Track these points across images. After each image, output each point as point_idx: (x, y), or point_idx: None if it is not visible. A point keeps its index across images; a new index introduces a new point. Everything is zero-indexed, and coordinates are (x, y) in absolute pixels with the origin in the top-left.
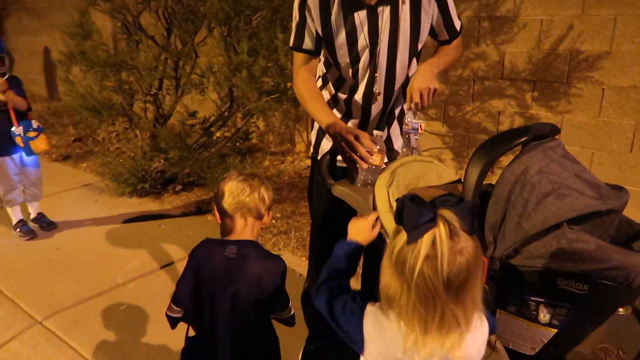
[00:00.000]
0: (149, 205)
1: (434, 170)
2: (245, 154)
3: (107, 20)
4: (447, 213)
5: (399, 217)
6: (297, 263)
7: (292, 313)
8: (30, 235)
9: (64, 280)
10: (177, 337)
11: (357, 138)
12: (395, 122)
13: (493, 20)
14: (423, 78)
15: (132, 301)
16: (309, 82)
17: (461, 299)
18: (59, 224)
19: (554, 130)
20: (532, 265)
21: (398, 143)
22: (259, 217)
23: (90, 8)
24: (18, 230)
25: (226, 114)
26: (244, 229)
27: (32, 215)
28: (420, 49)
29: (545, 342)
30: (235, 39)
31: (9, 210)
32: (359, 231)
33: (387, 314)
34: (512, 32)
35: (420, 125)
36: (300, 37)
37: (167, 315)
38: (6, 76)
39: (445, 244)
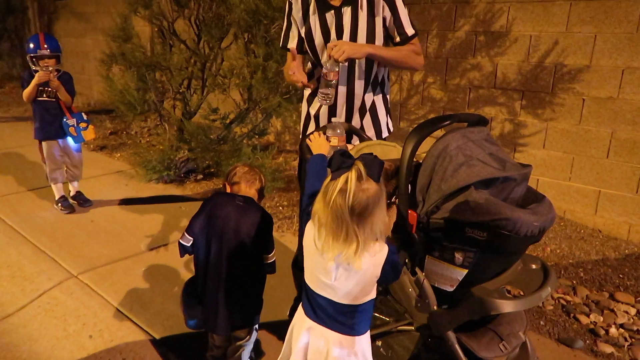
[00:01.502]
0: (173, 190)
1: (396, 151)
2: (260, 149)
3: (145, 26)
4: (359, 164)
5: (329, 164)
6: (296, 243)
7: (273, 260)
8: (70, 209)
9: (96, 245)
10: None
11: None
12: (368, 114)
13: (488, 34)
14: (348, 43)
15: (152, 266)
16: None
17: (361, 223)
18: (94, 202)
19: (482, 121)
20: (448, 217)
21: (371, 132)
22: (257, 190)
23: (132, 14)
24: (59, 205)
25: (244, 111)
26: (247, 192)
27: (72, 193)
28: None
29: (460, 280)
30: (256, 46)
31: (53, 187)
32: (320, 146)
33: (315, 225)
34: (505, 46)
35: (332, 70)
36: (286, 38)
37: (179, 242)
38: (60, 73)
39: (353, 183)
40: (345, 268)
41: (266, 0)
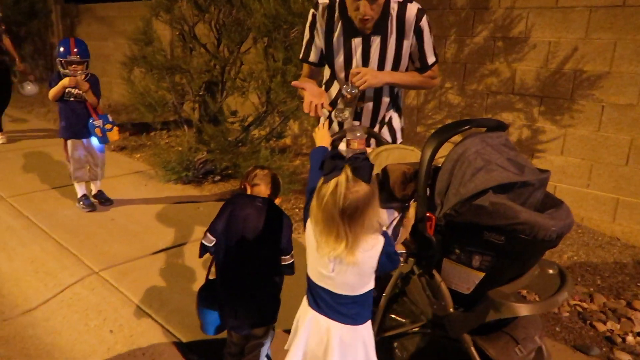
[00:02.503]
0: (191, 191)
1: (414, 155)
2: (278, 152)
3: (166, 29)
4: (347, 167)
5: (321, 167)
6: None
7: (292, 262)
8: (91, 207)
9: (117, 243)
10: None
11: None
12: (385, 126)
13: (506, 40)
14: (371, 71)
15: (170, 264)
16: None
17: (352, 223)
18: (115, 201)
19: (501, 126)
20: (466, 221)
21: (387, 139)
22: (276, 192)
23: (153, 18)
24: (81, 203)
25: (263, 115)
26: (265, 194)
27: (94, 192)
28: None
29: (477, 283)
30: (275, 50)
31: (75, 185)
32: (322, 138)
33: (312, 222)
34: (523, 52)
35: (351, 93)
36: (307, 51)
37: (201, 243)
38: (88, 76)
39: (343, 185)
40: (340, 262)
41: (286, 5)
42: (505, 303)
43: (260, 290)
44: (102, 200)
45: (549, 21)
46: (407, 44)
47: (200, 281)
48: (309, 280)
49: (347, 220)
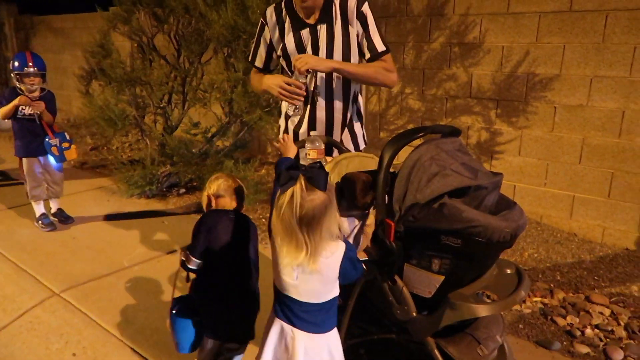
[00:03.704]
0: (155, 205)
1: (374, 162)
2: (242, 162)
3: (125, 41)
4: (302, 177)
5: (277, 179)
6: None
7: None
8: (51, 227)
9: (79, 262)
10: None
11: (289, 83)
12: (346, 129)
13: (462, 46)
14: (313, 56)
15: (136, 281)
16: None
17: (311, 231)
18: (76, 218)
19: (455, 132)
20: (424, 226)
21: (349, 145)
22: (241, 200)
23: (111, 30)
24: (40, 222)
25: (226, 125)
26: (232, 205)
27: (53, 210)
28: (360, 62)
29: (438, 286)
30: (235, 60)
31: (33, 204)
32: (288, 150)
33: (273, 234)
34: (479, 57)
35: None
36: (254, 55)
37: (186, 266)
38: (45, 91)
39: (298, 194)
40: (303, 271)
41: (244, 15)
42: (465, 305)
43: (244, 301)
44: (62, 219)
45: (501, 27)
46: (353, 31)
47: (166, 296)
48: (275, 289)
49: (305, 228)
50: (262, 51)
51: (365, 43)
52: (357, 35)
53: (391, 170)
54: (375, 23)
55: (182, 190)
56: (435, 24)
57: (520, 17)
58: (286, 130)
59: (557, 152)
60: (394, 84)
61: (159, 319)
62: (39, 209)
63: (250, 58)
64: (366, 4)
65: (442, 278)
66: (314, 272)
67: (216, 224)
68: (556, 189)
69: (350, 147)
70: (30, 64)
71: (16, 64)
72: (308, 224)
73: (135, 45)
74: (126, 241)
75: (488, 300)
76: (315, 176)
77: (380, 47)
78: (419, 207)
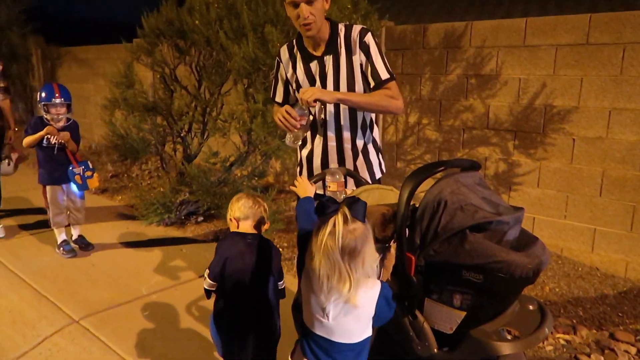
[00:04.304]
0: (173, 232)
1: (393, 195)
2: (260, 190)
3: (147, 72)
4: (344, 207)
5: (316, 211)
6: (296, 284)
7: (283, 286)
8: (72, 253)
9: (98, 289)
10: (188, 337)
11: (288, 112)
12: (360, 156)
13: (479, 77)
14: (320, 89)
15: (154, 309)
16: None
17: (352, 262)
18: (96, 245)
19: (474, 166)
20: (445, 260)
21: (364, 173)
22: (263, 222)
23: (134, 61)
24: (62, 249)
25: (244, 154)
26: (252, 229)
27: (74, 237)
28: (366, 90)
29: (459, 322)
30: (255, 91)
31: (55, 230)
32: (306, 190)
33: (310, 269)
34: (495, 88)
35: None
36: (274, 92)
37: (205, 289)
38: (70, 121)
39: (340, 224)
40: (342, 307)
41: (264, 48)
42: (487, 342)
43: (263, 324)
44: (83, 245)
45: (517, 59)
46: (357, 60)
47: (184, 325)
48: (305, 328)
49: (347, 259)
50: (280, 88)
51: (369, 71)
52: (361, 65)
53: (412, 203)
54: (380, 52)
55: (200, 218)
56: (451, 56)
57: (536, 49)
58: (300, 161)
59: (577, 184)
60: (399, 110)
61: (177, 348)
62: (60, 235)
63: (271, 94)
64: (369, 34)
65: (464, 314)
66: (353, 307)
67: (231, 248)
68: (576, 222)
69: (366, 175)
70: (57, 94)
71: (43, 94)
72: (350, 255)
73: (158, 76)
74: (145, 269)
75: (511, 338)
76: (355, 207)
77: (383, 75)
78: (440, 241)
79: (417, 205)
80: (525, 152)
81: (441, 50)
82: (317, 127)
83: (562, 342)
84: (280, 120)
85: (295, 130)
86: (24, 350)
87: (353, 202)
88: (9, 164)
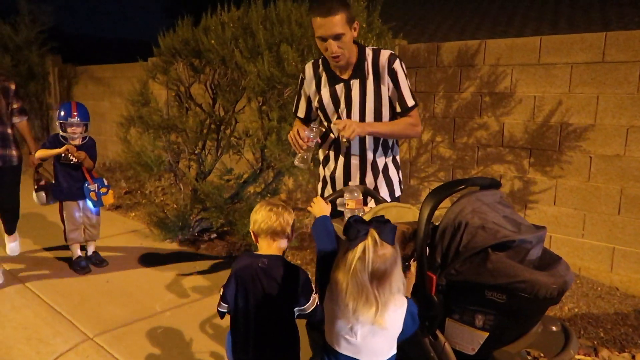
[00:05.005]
0: (187, 249)
1: (411, 213)
2: None
3: (161, 90)
4: (373, 231)
5: (345, 232)
6: None
7: (314, 307)
8: (86, 270)
9: (112, 306)
10: (203, 356)
11: (298, 132)
12: (381, 174)
13: (493, 95)
14: (356, 124)
15: (168, 326)
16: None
17: (380, 286)
18: (110, 261)
19: (494, 184)
20: (467, 280)
21: (384, 191)
22: (285, 236)
23: (150, 80)
24: (76, 265)
25: (258, 171)
26: (270, 247)
27: (89, 253)
28: (391, 114)
29: (482, 343)
30: (269, 109)
31: (71, 247)
32: (322, 209)
33: (335, 291)
34: (510, 106)
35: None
36: (296, 107)
37: (217, 309)
38: (86, 139)
39: (371, 250)
40: (370, 328)
41: (280, 67)
42: None
43: (278, 346)
44: (97, 262)
45: (532, 77)
46: (384, 86)
47: (197, 343)
48: (328, 348)
49: (376, 283)
50: (302, 103)
51: (396, 98)
52: (388, 90)
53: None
54: (406, 78)
55: (214, 235)
56: (465, 74)
57: (552, 67)
58: (324, 179)
59: (595, 202)
60: (418, 135)
61: None
62: (75, 251)
63: (294, 109)
64: (397, 60)
65: (486, 334)
66: (381, 328)
67: (243, 270)
68: (595, 241)
69: (386, 192)
70: (75, 113)
71: (62, 113)
72: (379, 279)
73: (173, 94)
74: (158, 285)
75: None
76: (385, 230)
77: (409, 102)
78: (462, 261)
79: (437, 224)
80: (541, 170)
81: (455, 69)
82: (340, 146)
83: None
84: (290, 138)
85: (302, 151)
86: None
87: (382, 225)
88: (41, 194)
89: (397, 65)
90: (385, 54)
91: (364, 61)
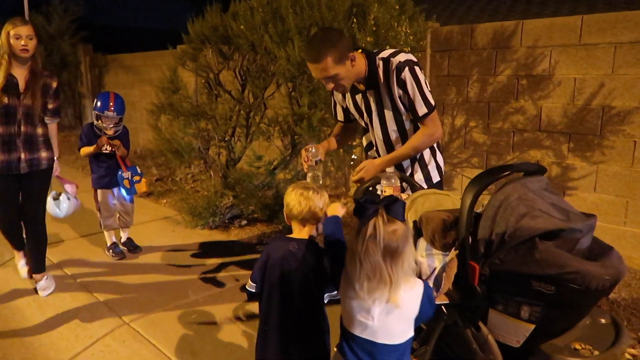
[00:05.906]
0: (218, 236)
1: (450, 201)
2: None
3: (191, 77)
4: (382, 209)
5: (355, 212)
6: None
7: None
8: (121, 255)
9: (146, 292)
10: (237, 342)
11: (306, 149)
12: (417, 164)
13: (530, 78)
14: (367, 170)
15: (201, 312)
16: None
17: (394, 263)
18: (143, 248)
19: (540, 170)
20: (512, 270)
21: (418, 175)
22: (316, 221)
23: (179, 67)
24: (111, 251)
25: (288, 158)
26: (301, 231)
27: (123, 239)
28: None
29: (527, 335)
30: (299, 94)
31: (105, 233)
32: (336, 210)
33: (350, 271)
34: (548, 89)
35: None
36: (334, 112)
37: (246, 289)
38: (120, 129)
39: (381, 226)
40: (384, 308)
41: None
42: (559, 358)
43: (305, 332)
44: (131, 248)
45: (573, 58)
46: (397, 93)
47: (228, 330)
48: (345, 332)
49: (389, 260)
50: (338, 108)
51: (408, 104)
52: (402, 98)
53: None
54: (418, 85)
55: (244, 222)
56: (501, 56)
57: (593, 48)
58: (366, 152)
59: (638, 188)
60: (439, 140)
61: (226, 352)
62: (110, 238)
63: (333, 113)
64: (406, 68)
65: (533, 327)
66: (394, 307)
67: (272, 253)
68: (637, 229)
69: (420, 176)
70: (112, 106)
71: (99, 104)
72: (392, 255)
73: (202, 81)
74: (191, 272)
75: (586, 354)
76: (394, 207)
77: (421, 110)
78: (507, 250)
79: (479, 211)
80: (581, 155)
81: (490, 51)
82: (376, 142)
83: (627, 356)
84: (302, 153)
85: (307, 168)
86: (77, 350)
87: (391, 202)
88: (65, 201)
89: (405, 74)
90: (393, 63)
91: (376, 71)
